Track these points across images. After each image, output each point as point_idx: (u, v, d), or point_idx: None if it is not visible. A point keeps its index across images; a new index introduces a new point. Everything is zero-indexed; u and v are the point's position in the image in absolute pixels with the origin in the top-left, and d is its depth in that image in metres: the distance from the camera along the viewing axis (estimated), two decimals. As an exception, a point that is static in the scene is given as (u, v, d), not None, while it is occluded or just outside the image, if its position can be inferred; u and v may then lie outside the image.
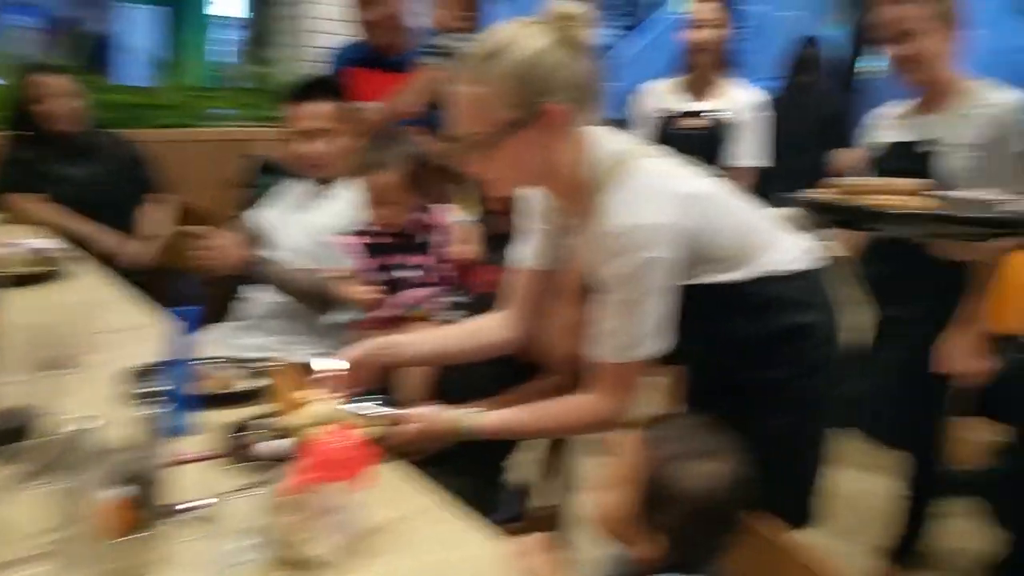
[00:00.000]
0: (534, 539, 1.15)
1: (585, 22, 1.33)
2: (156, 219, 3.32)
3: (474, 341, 1.62)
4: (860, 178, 2.02)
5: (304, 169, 2.40)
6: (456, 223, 1.90)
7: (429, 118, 2.57)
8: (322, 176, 2.38)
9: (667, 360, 1.41)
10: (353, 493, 1.17)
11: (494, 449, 1.79)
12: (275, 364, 1.53)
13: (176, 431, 1.43)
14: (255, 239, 2.50)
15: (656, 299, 1.35)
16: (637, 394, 1.47)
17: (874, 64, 5.18)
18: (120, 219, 3.22)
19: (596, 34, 1.39)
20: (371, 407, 1.52)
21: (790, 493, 1.80)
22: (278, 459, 1.31)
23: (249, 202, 3.39)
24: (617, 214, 1.35)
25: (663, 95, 2.99)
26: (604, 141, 1.42)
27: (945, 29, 2.08)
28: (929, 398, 2.15)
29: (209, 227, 2.31)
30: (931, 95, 2.20)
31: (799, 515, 1.80)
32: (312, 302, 2.20)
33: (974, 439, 2.47)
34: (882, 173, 2.13)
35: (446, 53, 2.56)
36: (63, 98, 3.12)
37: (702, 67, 2.91)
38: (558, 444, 1.79)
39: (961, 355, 2.06)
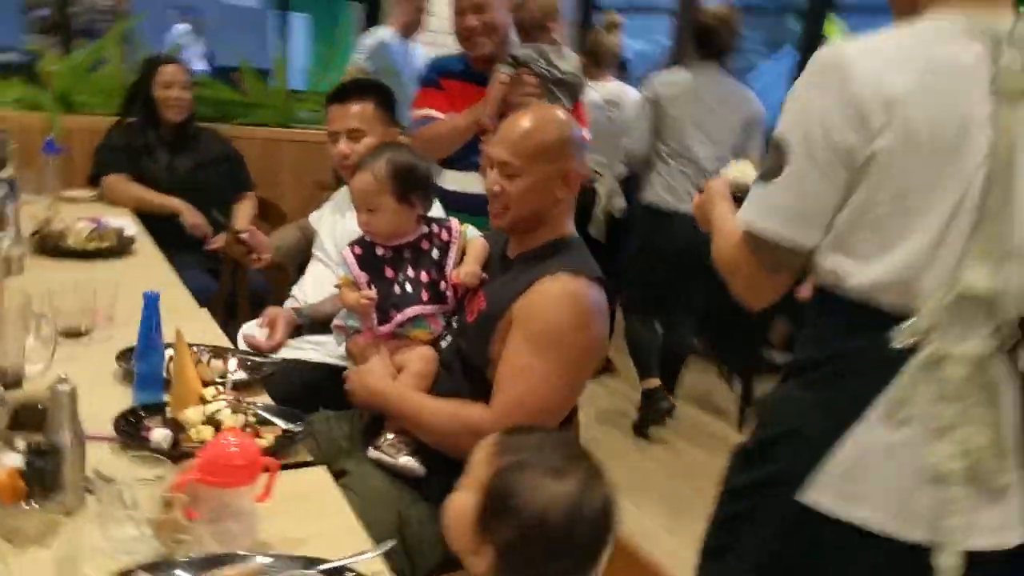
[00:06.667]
0: None
1: None
2: (241, 216, 3.40)
3: None
4: None
5: (339, 170, 2.37)
6: (467, 240, 1.82)
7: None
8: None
9: None
10: (245, 501, 1.14)
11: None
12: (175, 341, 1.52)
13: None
14: (311, 240, 2.52)
15: None
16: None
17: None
18: (208, 212, 3.33)
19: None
20: (269, 415, 1.50)
21: None
22: (166, 450, 1.31)
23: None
24: None
25: None
26: None
27: None
28: None
29: (250, 227, 2.34)
30: None
31: None
32: None
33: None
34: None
35: (519, 63, 2.49)
36: (180, 88, 3.28)
37: None
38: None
39: None
